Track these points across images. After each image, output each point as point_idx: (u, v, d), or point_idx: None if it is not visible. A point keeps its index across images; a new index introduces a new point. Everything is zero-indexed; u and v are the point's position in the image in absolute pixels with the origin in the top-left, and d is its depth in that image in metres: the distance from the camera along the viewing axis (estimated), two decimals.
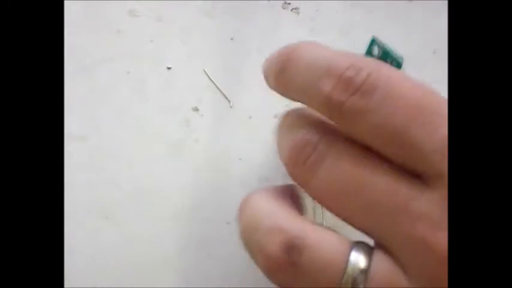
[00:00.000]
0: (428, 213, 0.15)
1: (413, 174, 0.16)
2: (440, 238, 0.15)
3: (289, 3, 0.31)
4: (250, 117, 0.28)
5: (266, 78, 0.20)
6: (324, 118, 0.18)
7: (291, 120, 0.19)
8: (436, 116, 0.16)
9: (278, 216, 0.17)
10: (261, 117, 0.29)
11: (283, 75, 0.19)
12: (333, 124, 0.18)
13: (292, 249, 0.16)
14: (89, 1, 0.29)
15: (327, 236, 0.17)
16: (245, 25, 0.31)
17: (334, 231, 0.17)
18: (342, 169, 0.17)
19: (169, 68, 0.29)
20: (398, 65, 0.29)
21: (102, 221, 0.25)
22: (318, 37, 0.29)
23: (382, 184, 0.16)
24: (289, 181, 0.26)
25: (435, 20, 0.32)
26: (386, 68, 0.17)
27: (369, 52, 0.28)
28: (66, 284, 0.22)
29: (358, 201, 0.16)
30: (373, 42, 0.28)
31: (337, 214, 0.17)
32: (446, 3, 0.32)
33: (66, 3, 0.28)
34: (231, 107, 0.29)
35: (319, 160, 0.17)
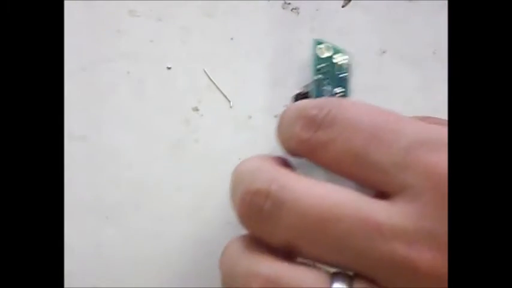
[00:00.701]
0: (402, 230, 0.15)
1: (380, 193, 0.16)
2: (420, 252, 0.15)
3: (289, 3, 0.31)
4: (250, 117, 0.28)
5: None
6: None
7: (240, 169, 0.19)
8: (390, 133, 0.17)
9: (252, 261, 0.17)
10: (261, 117, 0.29)
11: (277, 130, 0.21)
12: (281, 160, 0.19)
13: None
14: (89, 1, 0.29)
15: (306, 273, 0.16)
16: (245, 25, 0.31)
17: (314, 266, 0.17)
18: (305, 209, 0.16)
19: (169, 68, 0.29)
20: (347, 60, 0.29)
21: (102, 221, 0.25)
22: (318, 37, 0.29)
23: (349, 215, 0.16)
24: None
25: (435, 20, 0.32)
26: (345, 102, 0.18)
27: (316, 55, 0.28)
28: (66, 284, 0.22)
29: (328, 240, 0.16)
30: (318, 44, 0.28)
31: (308, 256, 0.17)
32: (446, 3, 0.32)
33: (66, 3, 0.28)
34: (231, 107, 0.29)
35: (276, 207, 0.17)
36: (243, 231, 0.26)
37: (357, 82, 0.30)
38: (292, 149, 0.19)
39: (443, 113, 0.30)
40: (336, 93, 0.29)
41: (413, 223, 0.15)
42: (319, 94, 0.28)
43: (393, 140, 0.16)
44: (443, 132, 0.16)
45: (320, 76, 0.28)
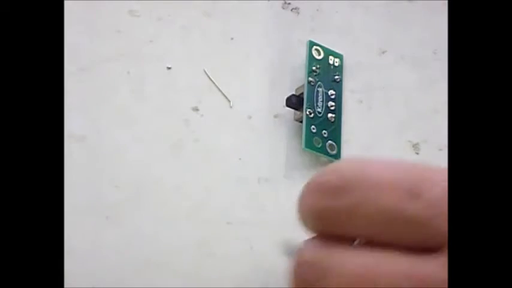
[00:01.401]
0: (444, 279, 0.15)
1: (423, 249, 0.16)
2: None
3: (289, 3, 0.31)
4: (250, 117, 0.28)
5: None
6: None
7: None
8: (422, 183, 0.16)
9: None
10: (261, 117, 0.29)
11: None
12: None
13: None
14: (89, 1, 0.29)
15: None
16: (245, 25, 0.31)
17: None
18: (349, 277, 0.16)
19: (169, 68, 0.29)
20: (340, 60, 0.29)
21: (102, 221, 0.25)
22: (318, 37, 0.29)
23: (395, 271, 0.15)
24: (290, 181, 0.27)
25: (435, 20, 0.32)
26: (352, 161, 0.17)
27: (311, 56, 0.28)
28: (66, 284, 0.22)
29: None
30: (311, 45, 0.28)
31: None
32: (446, 3, 0.32)
33: (66, 3, 0.28)
34: (231, 107, 0.29)
35: (320, 277, 0.16)
36: (243, 231, 0.26)
37: (357, 82, 0.30)
38: (311, 227, 0.18)
39: (443, 113, 0.30)
40: (329, 96, 0.29)
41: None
42: (312, 96, 0.28)
43: (427, 191, 0.16)
44: None
45: (313, 78, 0.28)
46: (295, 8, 0.31)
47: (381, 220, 0.16)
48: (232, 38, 0.30)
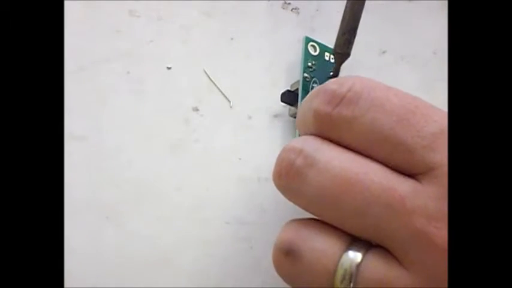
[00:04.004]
0: (424, 207, 0.16)
1: (405, 173, 0.17)
2: (439, 229, 0.15)
3: (289, 3, 0.31)
4: (250, 117, 0.28)
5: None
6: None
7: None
8: (420, 117, 0.17)
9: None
10: (261, 117, 0.29)
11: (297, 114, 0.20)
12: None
13: (294, 245, 0.17)
14: (89, 1, 0.29)
15: (326, 235, 0.17)
16: (245, 25, 0.31)
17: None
18: (334, 171, 0.17)
19: (169, 68, 0.29)
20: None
21: (102, 221, 0.25)
22: (318, 37, 0.29)
23: (376, 183, 0.16)
24: None
25: (435, 20, 0.32)
26: (367, 79, 0.18)
27: (306, 52, 0.28)
28: (66, 284, 0.22)
29: (352, 203, 0.17)
30: (307, 41, 0.28)
31: (329, 220, 0.17)
32: (446, 3, 0.32)
33: (66, 3, 0.28)
34: (231, 107, 0.29)
35: (307, 165, 0.17)
36: (243, 231, 0.26)
37: None
38: (309, 127, 0.19)
39: None
40: None
41: (435, 202, 0.16)
42: (307, 92, 0.28)
43: (423, 125, 0.17)
44: None
45: (308, 74, 0.28)
46: (295, 8, 0.31)
47: (374, 138, 0.17)
48: (232, 38, 0.30)
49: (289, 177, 0.18)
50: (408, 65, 0.31)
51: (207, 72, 0.29)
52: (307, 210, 0.18)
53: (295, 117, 0.28)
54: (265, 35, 0.31)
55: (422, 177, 0.16)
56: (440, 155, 0.16)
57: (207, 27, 0.30)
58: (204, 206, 0.26)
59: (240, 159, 0.27)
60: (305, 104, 0.19)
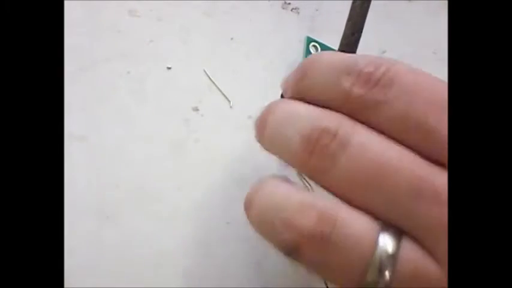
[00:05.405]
0: (443, 192, 0.15)
1: (434, 161, 0.16)
2: None
3: (289, 3, 0.32)
4: (250, 117, 0.28)
5: (285, 91, 0.20)
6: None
7: (289, 110, 0.19)
8: None
9: (305, 195, 0.17)
10: None
11: (303, 81, 0.19)
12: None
13: (325, 223, 0.16)
14: (89, 1, 0.29)
15: (359, 216, 0.17)
16: (245, 25, 0.31)
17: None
18: (368, 157, 0.17)
19: (169, 68, 0.29)
20: None
21: (102, 221, 0.25)
22: (318, 37, 0.29)
23: (407, 170, 0.16)
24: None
25: (435, 20, 0.32)
26: (402, 64, 0.18)
27: (308, 52, 0.28)
28: (66, 284, 0.22)
29: (383, 190, 0.16)
30: (309, 41, 0.28)
31: (358, 205, 0.17)
32: (446, 3, 0.32)
33: (66, 3, 0.28)
34: (231, 107, 0.29)
35: (341, 147, 0.17)
36: (242, 231, 0.26)
37: None
38: (335, 103, 0.18)
39: None
40: None
41: None
42: None
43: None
44: None
45: None
46: (295, 8, 0.31)
47: (406, 124, 0.17)
48: (232, 38, 0.30)
49: (320, 158, 0.17)
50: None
51: (207, 72, 0.29)
52: (331, 191, 0.17)
53: None
54: (265, 35, 0.31)
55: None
56: None
57: (207, 27, 0.30)
58: (204, 206, 0.26)
59: (240, 159, 0.27)
60: (332, 78, 0.18)
